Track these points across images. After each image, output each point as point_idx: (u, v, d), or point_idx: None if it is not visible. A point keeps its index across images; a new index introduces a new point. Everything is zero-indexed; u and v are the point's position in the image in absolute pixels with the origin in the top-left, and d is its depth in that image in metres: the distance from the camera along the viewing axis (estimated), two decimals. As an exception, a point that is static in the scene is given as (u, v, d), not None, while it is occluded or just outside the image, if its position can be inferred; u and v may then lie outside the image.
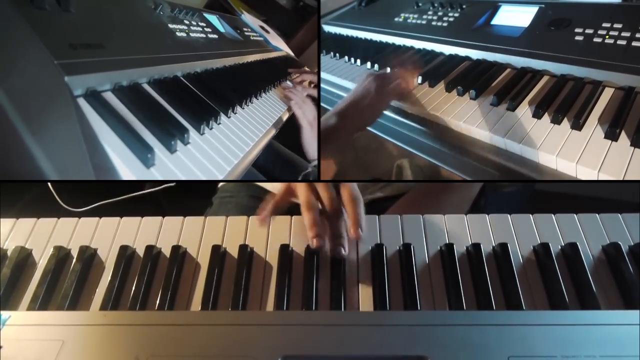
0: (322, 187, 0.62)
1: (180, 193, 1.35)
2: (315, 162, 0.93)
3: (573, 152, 0.57)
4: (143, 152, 0.49)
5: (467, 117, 0.69)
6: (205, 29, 1.04)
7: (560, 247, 0.59)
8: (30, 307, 0.55)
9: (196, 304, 0.56)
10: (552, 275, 0.56)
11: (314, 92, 1.05)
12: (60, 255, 0.60)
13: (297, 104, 1.01)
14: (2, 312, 0.50)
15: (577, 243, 0.58)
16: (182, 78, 0.75)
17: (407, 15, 1.10)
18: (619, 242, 0.58)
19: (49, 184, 1.23)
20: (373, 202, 0.91)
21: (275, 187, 0.95)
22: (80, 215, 0.67)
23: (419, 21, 1.05)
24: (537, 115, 0.64)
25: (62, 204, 1.20)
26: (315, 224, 0.59)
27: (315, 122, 0.97)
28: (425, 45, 0.96)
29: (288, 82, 1.20)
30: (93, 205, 1.16)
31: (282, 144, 1.16)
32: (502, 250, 0.58)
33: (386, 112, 0.82)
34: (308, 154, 0.97)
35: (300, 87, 1.10)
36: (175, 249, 0.61)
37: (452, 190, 0.84)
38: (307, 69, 1.37)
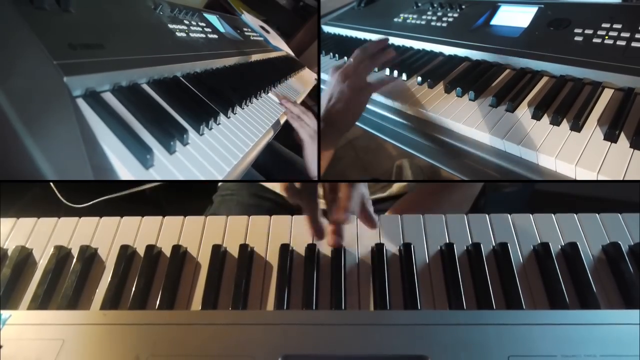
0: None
1: (180, 193, 1.35)
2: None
3: (572, 153, 0.57)
4: (142, 153, 0.49)
5: (466, 118, 0.69)
6: (205, 29, 1.04)
7: (560, 247, 0.60)
8: (31, 307, 0.55)
9: (196, 303, 0.56)
10: (552, 275, 0.56)
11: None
12: (61, 255, 0.60)
13: (293, 117, 0.94)
14: (2, 311, 0.50)
15: (577, 243, 0.59)
16: (181, 78, 0.75)
17: (406, 15, 1.10)
18: (619, 242, 0.58)
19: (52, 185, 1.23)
20: (373, 202, 0.91)
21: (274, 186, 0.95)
22: (81, 211, 0.67)
23: (418, 21, 1.05)
24: (537, 116, 0.64)
25: (63, 200, 1.20)
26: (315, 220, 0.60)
27: (315, 135, 0.94)
28: (425, 45, 0.96)
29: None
30: (95, 201, 1.16)
31: (282, 144, 1.16)
32: (502, 250, 0.58)
33: (385, 113, 0.82)
34: (310, 171, 0.91)
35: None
36: (176, 248, 0.61)
37: (453, 189, 0.84)
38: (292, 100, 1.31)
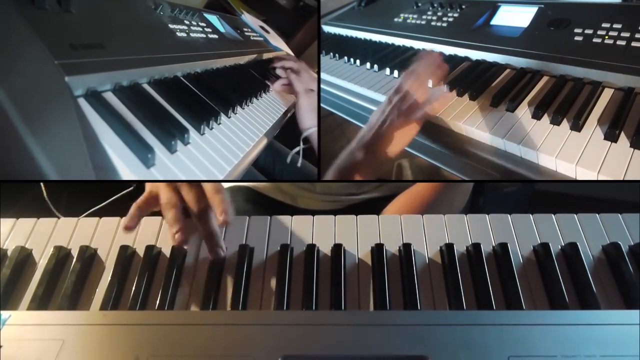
0: (185, 187, 0.61)
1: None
2: (309, 131, 0.92)
3: (572, 153, 0.57)
4: (143, 152, 0.49)
5: (466, 118, 0.69)
6: (206, 29, 1.04)
7: (560, 247, 0.60)
8: (31, 307, 0.55)
9: (196, 304, 0.56)
10: (552, 275, 0.56)
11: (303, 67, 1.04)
12: (60, 255, 0.60)
13: (289, 70, 1.00)
14: (2, 311, 0.50)
15: (577, 243, 0.59)
16: (182, 78, 0.75)
17: (406, 15, 1.10)
18: (619, 242, 0.58)
19: (44, 194, 1.23)
20: (369, 202, 0.91)
21: (272, 186, 0.95)
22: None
23: (418, 21, 1.05)
24: (537, 116, 0.64)
25: (56, 213, 1.20)
26: (177, 221, 0.60)
27: (309, 92, 0.95)
28: (425, 45, 0.96)
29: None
30: (91, 210, 1.16)
31: (282, 144, 1.16)
32: (502, 250, 0.58)
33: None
34: (301, 123, 0.94)
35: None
36: (176, 248, 0.61)
37: (447, 187, 0.84)
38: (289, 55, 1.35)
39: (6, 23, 0.46)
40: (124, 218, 0.61)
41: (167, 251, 0.61)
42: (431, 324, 0.48)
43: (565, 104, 0.64)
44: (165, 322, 0.49)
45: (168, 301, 0.56)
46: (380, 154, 0.64)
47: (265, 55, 1.30)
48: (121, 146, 0.49)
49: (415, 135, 0.66)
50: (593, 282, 0.55)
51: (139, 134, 0.51)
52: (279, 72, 1.08)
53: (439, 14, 1.03)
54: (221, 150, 0.63)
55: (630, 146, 0.55)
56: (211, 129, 0.66)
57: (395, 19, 1.11)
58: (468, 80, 0.77)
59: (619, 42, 0.70)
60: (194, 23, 1.00)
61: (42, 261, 0.60)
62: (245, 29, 1.39)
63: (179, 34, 0.87)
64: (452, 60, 0.88)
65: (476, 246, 0.59)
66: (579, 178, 0.55)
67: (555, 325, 0.47)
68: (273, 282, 0.58)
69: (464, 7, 1.01)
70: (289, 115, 1.02)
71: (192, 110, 0.65)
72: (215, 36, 1.06)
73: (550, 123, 0.62)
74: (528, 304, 0.54)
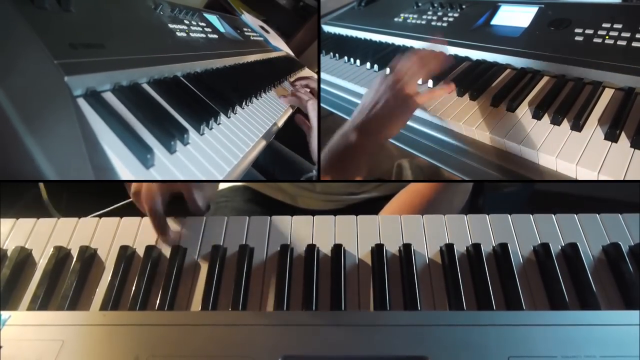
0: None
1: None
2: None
3: (573, 153, 0.57)
4: (142, 153, 0.49)
5: (466, 118, 0.69)
6: (205, 29, 1.04)
7: (560, 247, 0.60)
8: (30, 307, 0.55)
9: (196, 304, 0.56)
10: (552, 275, 0.56)
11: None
12: (60, 255, 0.60)
13: (312, 104, 0.97)
14: (2, 312, 0.50)
15: (577, 243, 0.58)
16: (182, 78, 0.75)
17: (406, 15, 1.10)
18: (619, 242, 0.58)
19: (45, 199, 1.23)
20: (369, 202, 0.91)
21: (272, 186, 0.95)
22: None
23: (418, 21, 1.05)
24: (537, 116, 0.64)
25: (57, 214, 1.21)
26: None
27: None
28: (425, 45, 0.96)
29: (287, 84, 1.20)
30: (98, 213, 1.16)
31: (282, 144, 1.16)
32: (502, 250, 0.58)
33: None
34: (315, 155, 0.94)
35: (305, 89, 1.08)
36: (175, 249, 0.61)
37: (447, 186, 0.83)
38: (309, 74, 1.35)
39: (6, 22, 0.46)
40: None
41: (167, 251, 0.61)
42: (431, 324, 0.48)
43: (565, 104, 0.64)
44: (165, 322, 0.49)
45: (168, 301, 0.55)
46: (374, 135, 0.61)
47: (265, 55, 1.30)
48: (120, 146, 0.49)
49: (410, 116, 0.65)
50: (593, 282, 0.55)
51: (138, 134, 0.51)
52: (300, 90, 1.06)
53: (439, 13, 1.03)
54: (221, 150, 0.63)
55: (631, 146, 0.55)
56: (211, 129, 0.66)
57: (396, 19, 1.11)
58: (468, 80, 0.77)
59: (619, 42, 0.70)
60: (193, 23, 1.00)
61: (42, 261, 0.60)
62: (245, 29, 1.39)
63: (178, 33, 0.87)
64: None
65: (476, 246, 0.59)
66: (579, 178, 0.55)
67: (556, 326, 0.47)
68: (273, 282, 0.57)
69: (464, 7, 1.01)
70: (289, 114, 1.01)
71: (192, 110, 0.65)
72: (215, 36, 1.06)
73: (551, 123, 0.62)
74: (528, 304, 0.54)
